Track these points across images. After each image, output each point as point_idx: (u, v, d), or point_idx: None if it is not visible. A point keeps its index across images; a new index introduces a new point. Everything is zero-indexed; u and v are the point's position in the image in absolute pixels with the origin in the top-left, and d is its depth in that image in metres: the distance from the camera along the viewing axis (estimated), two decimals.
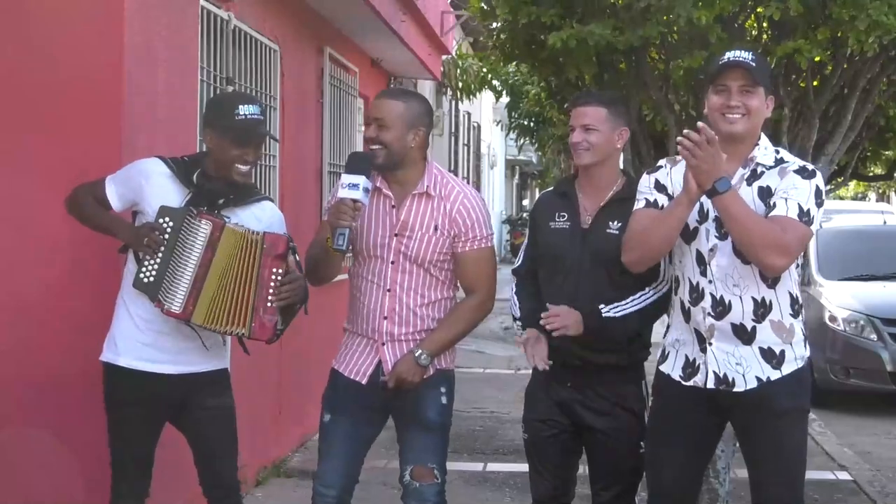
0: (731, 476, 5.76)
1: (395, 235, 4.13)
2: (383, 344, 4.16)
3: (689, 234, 3.91)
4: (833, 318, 10.28)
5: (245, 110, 4.03)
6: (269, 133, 4.22)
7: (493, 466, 7.33)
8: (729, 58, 3.86)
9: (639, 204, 4.01)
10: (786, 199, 3.76)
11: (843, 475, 7.38)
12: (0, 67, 4.63)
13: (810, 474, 7.17)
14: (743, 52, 3.90)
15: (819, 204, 3.80)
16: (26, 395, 4.61)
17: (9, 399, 4.59)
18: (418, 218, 4.15)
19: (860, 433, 9.11)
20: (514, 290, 4.46)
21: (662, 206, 3.96)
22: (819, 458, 7.76)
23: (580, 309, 4.17)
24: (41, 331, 4.61)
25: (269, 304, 3.99)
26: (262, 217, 4.16)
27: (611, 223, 4.21)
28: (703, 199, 3.86)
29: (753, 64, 3.84)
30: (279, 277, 3.99)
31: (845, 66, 6.01)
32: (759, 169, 3.85)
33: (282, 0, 7.05)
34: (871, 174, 9.17)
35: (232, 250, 3.98)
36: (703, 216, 3.89)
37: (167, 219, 3.96)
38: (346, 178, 4.02)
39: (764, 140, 3.92)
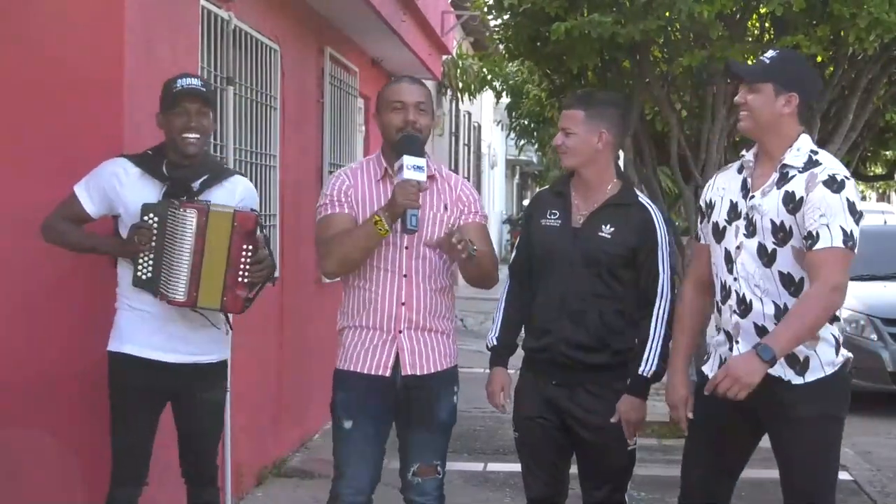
0: None
1: None
2: (400, 332, 4.14)
3: (718, 233, 3.93)
4: (834, 318, 10.26)
5: (182, 82, 4.17)
6: (210, 98, 4.21)
7: (494, 466, 7.32)
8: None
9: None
10: (828, 226, 3.66)
11: (844, 475, 7.35)
12: (0, 67, 4.63)
13: None
14: (770, 51, 3.95)
15: (857, 218, 3.71)
16: (26, 394, 4.60)
17: (9, 399, 4.59)
18: (429, 200, 4.17)
19: (860, 433, 9.09)
20: (503, 296, 4.47)
21: (700, 237, 4.05)
22: None
23: (568, 306, 4.21)
24: (41, 331, 4.61)
25: (239, 280, 4.11)
26: (233, 191, 4.26)
27: (603, 226, 4.22)
28: (737, 197, 3.89)
29: (766, 61, 3.84)
30: (249, 254, 4.11)
31: (846, 66, 6.02)
32: (790, 172, 3.79)
33: (282, 0, 7.05)
34: (871, 174, 9.19)
35: (219, 232, 4.09)
36: (735, 214, 3.88)
37: (151, 214, 4.07)
38: (411, 161, 4.03)
39: (801, 141, 3.83)
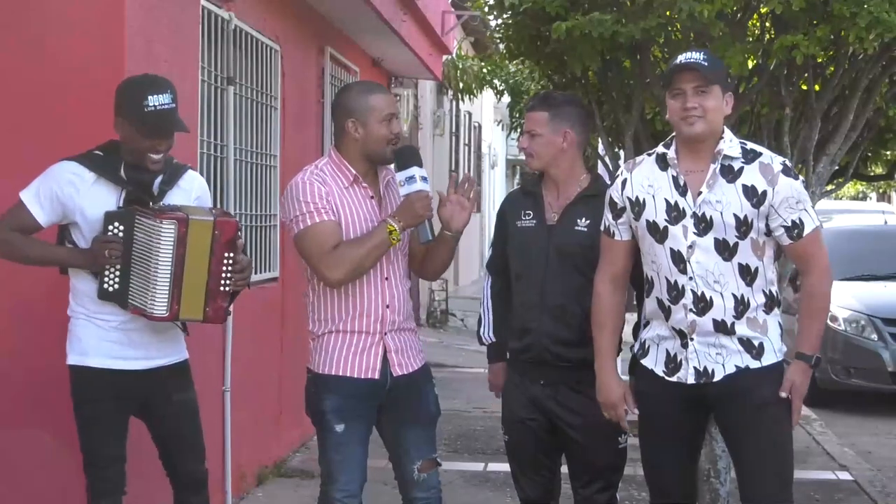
0: (731, 476, 5.76)
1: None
2: (385, 334, 4.15)
3: (660, 234, 3.91)
4: (834, 318, 10.27)
5: (154, 101, 3.91)
6: (180, 125, 4.04)
7: (494, 466, 7.32)
8: (680, 60, 3.89)
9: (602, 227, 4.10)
10: (806, 210, 3.87)
11: (844, 475, 7.37)
12: (0, 67, 4.63)
13: (811, 474, 7.20)
14: (694, 52, 3.93)
15: None
16: (26, 395, 4.60)
17: (9, 399, 4.59)
18: (396, 201, 4.19)
19: (861, 433, 9.11)
20: (488, 295, 4.52)
21: (614, 233, 4.03)
22: (820, 457, 7.76)
23: (548, 303, 4.22)
24: (41, 331, 4.60)
25: (221, 290, 4.00)
26: (190, 189, 4.15)
27: (579, 220, 4.25)
28: (676, 197, 3.89)
29: (706, 64, 3.85)
30: (231, 263, 4.00)
31: (846, 66, 6.01)
32: (734, 164, 3.86)
33: (282, 0, 7.05)
34: (871, 174, 9.18)
35: (200, 242, 3.94)
36: (678, 214, 3.88)
37: (116, 223, 3.92)
38: (421, 172, 4.08)
39: (728, 133, 3.93)
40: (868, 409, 10.11)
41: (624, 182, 4.01)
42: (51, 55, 4.61)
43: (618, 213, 4.01)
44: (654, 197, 3.92)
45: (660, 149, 3.99)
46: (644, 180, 3.96)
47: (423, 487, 4.24)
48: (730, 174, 3.85)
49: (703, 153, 3.88)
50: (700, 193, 3.85)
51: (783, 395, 3.85)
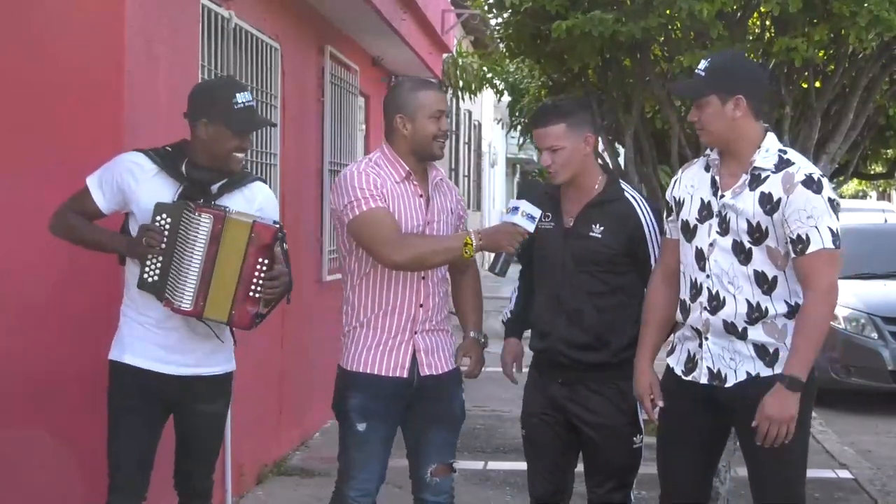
0: (731, 475, 5.77)
1: (427, 223, 4.17)
2: (416, 333, 4.16)
3: (689, 231, 3.94)
4: (834, 317, 10.25)
5: (242, 98, 4.00)
6: (267, 120, 4.16)
7: (494, 465, 7.34)
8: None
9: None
10: (816, 228, 3.70)
11: (844, 473, 7.38)
12: (0, 67, 4.62)
13: (811, 472, 7.14)
14: (702, 61, 3.94)
15: (838, 215, 3.76)
16: (26, 395, 4.60)
17: (9, 399, 4.59)
18: (443, 203, 4.25)
19: (861, 432, 9.11)
20: (518, 284, 4.60)
21: (666, 231, 4.07)
22: (820, 456, 7.76)
23: (565, 306, 4.24)
24: (41, 331, 4.61)
25: (250, 295, 3.97)
26: (253, 198, 4.13)
27: (593, 226, 4.24)
28: (710, 196, 3.90)
29: (703, 73, 3.85)
30: (264, 269, 3.97)
31: (847, 65, 6.02)
32: (762, 174, 3.81)
33: None
34: (872, 172, 9.19)
35: (237, 241, 3.94)
36: (708, 213, 3.89)
37: (164, 215, 3.91)
38: (528, 208, 4.05)
39: (768, 142, 3.85)
40: (868, 407, 10.11)
41: (675, 182, 4.07)
42: (51, 55, 4.60)
43: (669, 211, 4.07)
44: (692, 196, 3.95)
45: (708, 150, 4.03)
46: (689, 180, 4.00)
47: (435, 491, 4.25)
48: (755, 183, 3.81)
49: (742, 160, 3.85)
50: (723, 197, 3.85)
51: (753, 425, 3.71)
